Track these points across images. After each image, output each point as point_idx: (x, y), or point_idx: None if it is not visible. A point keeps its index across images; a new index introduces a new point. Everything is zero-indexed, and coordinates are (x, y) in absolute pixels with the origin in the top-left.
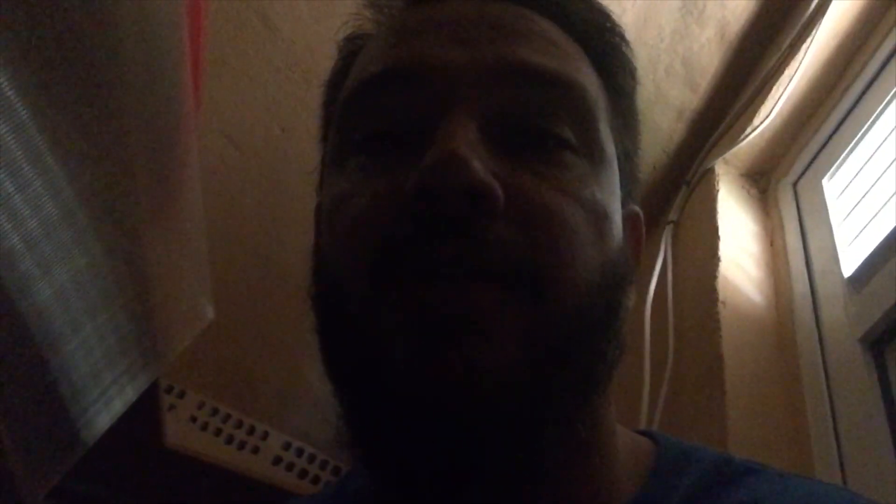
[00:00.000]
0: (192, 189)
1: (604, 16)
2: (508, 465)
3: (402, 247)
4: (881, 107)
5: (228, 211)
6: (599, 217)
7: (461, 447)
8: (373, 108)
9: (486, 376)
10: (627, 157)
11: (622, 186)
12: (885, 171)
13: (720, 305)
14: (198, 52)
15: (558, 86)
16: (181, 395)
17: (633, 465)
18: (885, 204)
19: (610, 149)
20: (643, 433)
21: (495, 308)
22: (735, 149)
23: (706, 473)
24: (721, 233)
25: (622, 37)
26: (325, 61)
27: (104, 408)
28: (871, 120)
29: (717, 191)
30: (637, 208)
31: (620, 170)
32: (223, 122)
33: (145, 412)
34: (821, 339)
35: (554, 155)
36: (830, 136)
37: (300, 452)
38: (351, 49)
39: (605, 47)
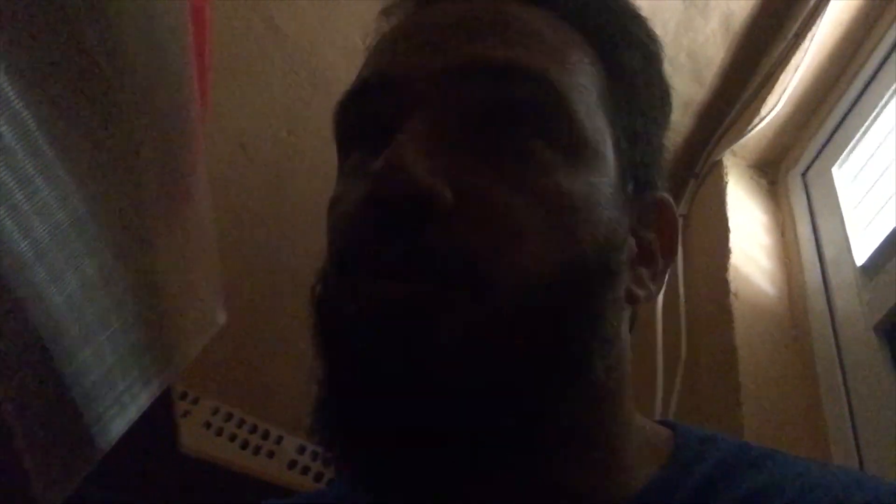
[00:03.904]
0: (202, 195)
1: None
2: (469, 456)
3: (357, 249)
4: (889, 93)
5: (238, 215)
6: (566, 210)
7: (416, 434)
8: (355, 117)
9: (427, 360)
10: (636, 140)
11: (624, 172)
12: (895, 157)
13: (732, 297)
14: (204, 58)
15: (521, 79)
16: (195, 401)
17: (652, 453)
18: None
19: (596, 136)
20: (663, 423)
21: (433, 300)
22: (743, 140)
23: (725, 458)
24: (731, 224)
25: (628, 13)
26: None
27: (118, 414)
28: (879, 107)
29: (727, 183)
30: (661, 194)
31: (621, 154)
32: (230, 127)
33: (160, 418)
34: (834, 329)
35: (517, 148)
36: (839, 125)
37: (315, 456)
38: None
39: (605, 27)
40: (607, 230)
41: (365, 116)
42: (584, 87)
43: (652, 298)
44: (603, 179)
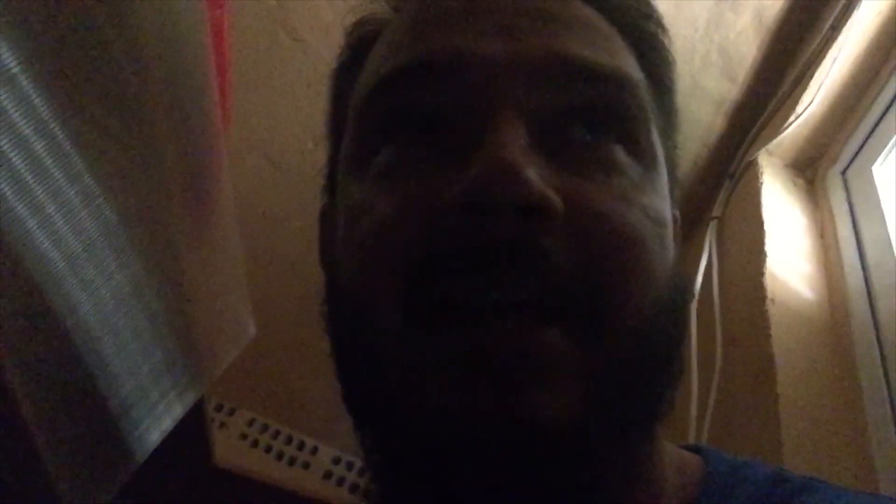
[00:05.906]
0: (227, 205)
1: (643, 1)
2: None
3: (446, 272)
4: None
5: (266, 227)
6: (660, 225)
7: (521, 493)
8: (402, 104)
9: (548, 423)
10: (670, 158)
11: (671, 190)
12: None
13: (769, 303)
14: (223, 68)
15: (612, 82)
16: (231, 412)
17: (681, 485)
18: None
19: (660, 151)
20: (692, 448)
21: (557, 352)
22: (779, 139)
23: (759, 492)
24: (767, 227)
25: (661, 25)
26: None
27: (153, 424)
28: None
29: (762, 183)
30: (676, 211)
31: (669, 171)
32: (256, 140)
33: (195, 431)
34: (878, 335)
35: (609, 159)
36: (879, 120)
37: (350, 466)
38: (361, 35)
39: (646, 37)
40: (674, 247)
41: (411, 105)
42: (649, 99)
43: None
44: (667, 196)
